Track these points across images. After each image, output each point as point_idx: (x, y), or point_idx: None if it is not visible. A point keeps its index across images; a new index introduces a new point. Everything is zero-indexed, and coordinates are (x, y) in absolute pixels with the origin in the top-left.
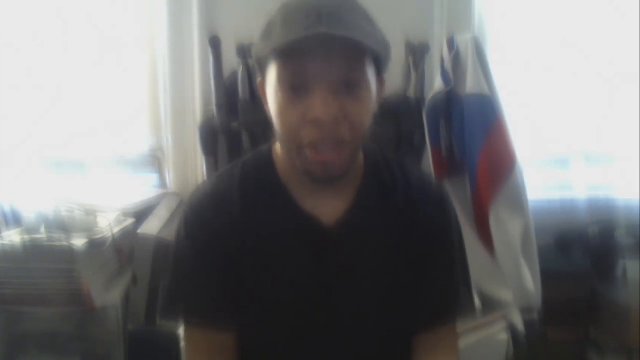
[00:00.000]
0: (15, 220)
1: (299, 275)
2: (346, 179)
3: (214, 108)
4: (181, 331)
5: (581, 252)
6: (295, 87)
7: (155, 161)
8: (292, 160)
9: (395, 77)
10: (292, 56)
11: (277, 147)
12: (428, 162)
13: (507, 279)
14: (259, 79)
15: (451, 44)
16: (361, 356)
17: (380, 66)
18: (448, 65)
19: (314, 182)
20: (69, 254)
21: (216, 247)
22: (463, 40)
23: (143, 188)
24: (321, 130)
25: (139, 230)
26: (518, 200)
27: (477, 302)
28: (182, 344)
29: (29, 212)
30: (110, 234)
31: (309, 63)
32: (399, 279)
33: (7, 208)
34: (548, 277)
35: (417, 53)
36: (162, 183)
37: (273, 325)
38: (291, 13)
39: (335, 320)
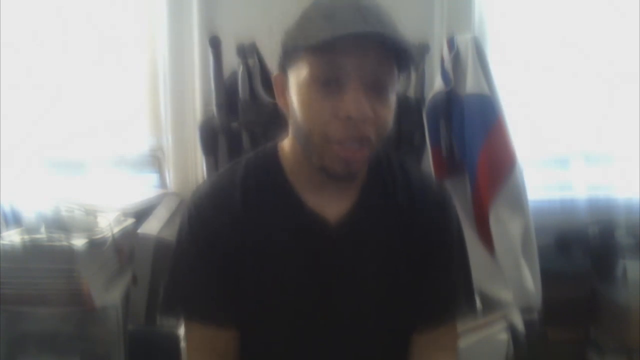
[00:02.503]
0: (15, 220)
1: (300, 273)
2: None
3: (214, 108)
4: (181, 331)
5: (581, 252)
6: (328, 82)
7: (155, 161)
8: (309, 156)
9: None
10: (330, 51)
11: (284, 145)
12: (428, 162)
13: (507, 279)
14: (276, 73)
15: (451, 44)
16: (361, 355)
17: (400, 73)
18: (448, 65)
19: (329, 177)
20: (69, 254)
21: (218, 244)
22: (463, 40)
23: (143, 188)
24: (351, 129)
25: (139, 230)
26: (518, 200)
27: (477, 302)
28: (182, 344)
29: (29, 212)
30: (110, 234)
31: (346, 59)
32: (399, 278)
33: (7, 208)
34: (548, 277)
35: (417, 53)
36: (162, 183)
37: (273, 323)
38: (330, 8)
39: (335, 319)
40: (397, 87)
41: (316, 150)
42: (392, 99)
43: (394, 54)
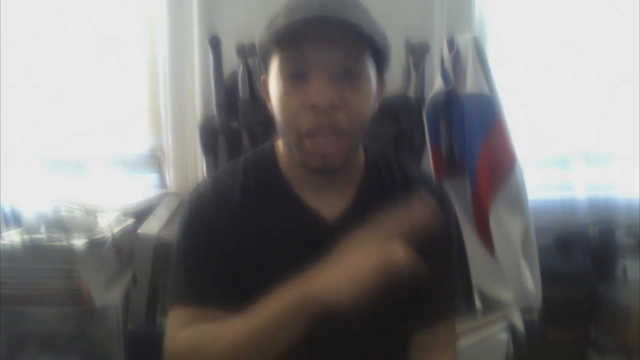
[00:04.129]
0: (15, 220)
1: (299, 271)
2: (347, 176)
3: (214, 108)
4: None
5: (581, 252)
6: (294, 75)
7: (155, 161)
8: (291, 152)
9: (395, 77)
10: (291, 43)
11: (280, 144)
12: (428, 162)
13: (507, 279)
14: (262, 76)
15: (451, 44)
16: (360, 355)
17: (380, 64)
18: (448, 65)
19: (312, 173)
20: (69, 254)
21: (217, 243)
22: (463, 40)
23: (143, 188)
24: (318, 117)
25: (139, 230)
26: (518, 200)
27: (477, 302)
28: None
29: (29, 212)
30: (110, 234)
31: (307, 49)
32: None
33: (7, 208)
34: (548, 277)
35: (417, 53)
36: (162, 183)
37: None
38: (294, 4)
39: (333, 317)
40: (376, 80)
41: (294, 146)
42: (367, 86)
43: (363, 41)
